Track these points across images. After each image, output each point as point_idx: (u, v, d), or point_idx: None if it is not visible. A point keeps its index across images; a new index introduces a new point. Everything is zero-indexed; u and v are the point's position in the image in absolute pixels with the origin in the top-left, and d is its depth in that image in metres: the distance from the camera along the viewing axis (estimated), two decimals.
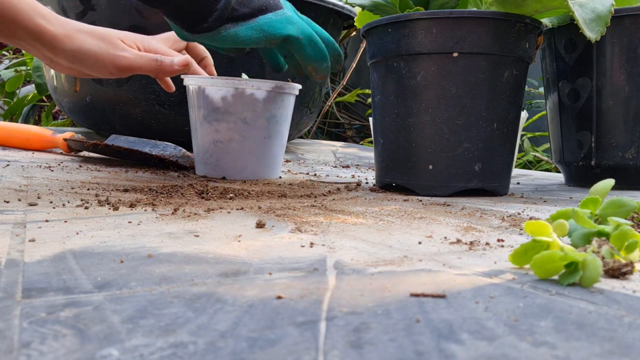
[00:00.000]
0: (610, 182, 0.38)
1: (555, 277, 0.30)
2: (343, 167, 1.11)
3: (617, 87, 0.77)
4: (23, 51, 1.78)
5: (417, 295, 0.27)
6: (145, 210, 0.48)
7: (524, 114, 0.93)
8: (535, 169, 1.62)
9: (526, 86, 0.70)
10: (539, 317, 0.24)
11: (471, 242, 0.38)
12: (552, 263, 0.29)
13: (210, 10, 0.57)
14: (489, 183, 0.66)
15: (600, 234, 0.35)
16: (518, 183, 0.91)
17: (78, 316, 0.22)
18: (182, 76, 0.78)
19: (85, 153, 0.98)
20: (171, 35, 0.74)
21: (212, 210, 0.49)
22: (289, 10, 0.63)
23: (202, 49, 0.80)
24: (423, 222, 0.47)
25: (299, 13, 0.66)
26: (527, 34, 0.65)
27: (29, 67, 1.74)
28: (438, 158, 0.64)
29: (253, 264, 0.32)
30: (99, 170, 0.77)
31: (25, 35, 0.59)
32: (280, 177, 0.81)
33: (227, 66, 1.07)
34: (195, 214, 0.47)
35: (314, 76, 0.67)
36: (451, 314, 0.24)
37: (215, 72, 0.80)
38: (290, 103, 0.78)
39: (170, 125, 1.09)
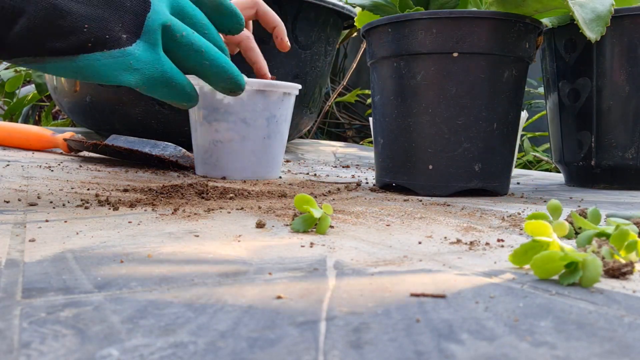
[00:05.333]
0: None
1: (555, 277, 0.30)
2: (343, 167, 1.11)
3: (617, 87, 0.77)
4: None
5: (417, 295, 0.27)
6: (145, 210, 0.48)
7: (524, 114, 0.93)
8: (535, 169, 1.62)
9: (525, 86, 0.70)
10: (539, 317, 0.24)
11: (471, 242, 0.38)
12: (552, 263, 0.29)
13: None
14: (489, 183, 0.66)
15: (601, 234, 0.35)
16: (518, 183, 0.91)
17: (78, 316, 0.22)
18: None
19: (85, 153, 0.98)
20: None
21: (212, 210, 0.49)
22: (142, 43, 0.45)
23: (273, 17, 0.73)
24: (423, 222, 0.47)
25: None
26: (527, 34, 0.65)
27: None
28: (438, 158, 0.64)
29: (253, 264, 0.32)
30: (99, 170, 0.77)
31: None
32: (280, 177, 0.81)
33: None
34: (195, 214, 0.47)
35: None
36: (451, 314, 0.24)
37: (286, 45, 0.74)
38: (290, 103, 0.78)
39: (170, 125, 1.09)
